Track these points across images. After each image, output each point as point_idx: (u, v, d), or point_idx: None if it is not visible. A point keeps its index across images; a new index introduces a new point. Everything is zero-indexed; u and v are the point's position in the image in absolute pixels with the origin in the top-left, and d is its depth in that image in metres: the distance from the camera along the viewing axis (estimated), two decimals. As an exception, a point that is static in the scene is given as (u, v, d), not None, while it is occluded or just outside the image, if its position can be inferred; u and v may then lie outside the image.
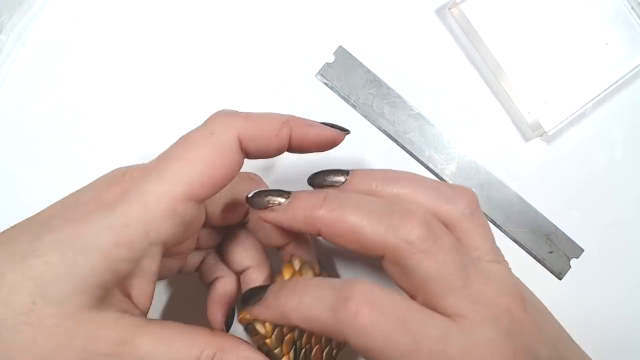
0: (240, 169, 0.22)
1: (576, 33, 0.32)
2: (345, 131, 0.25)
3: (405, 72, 0.33)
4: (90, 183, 0.23)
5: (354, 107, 0.32)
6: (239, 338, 0.22)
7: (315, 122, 0.24)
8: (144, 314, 0.21)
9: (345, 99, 0.32)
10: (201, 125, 0.22)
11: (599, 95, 0.31)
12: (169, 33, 0.32)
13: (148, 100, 0.32)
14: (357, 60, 0.32)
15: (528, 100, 0.31)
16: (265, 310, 0.23)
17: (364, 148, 0.32)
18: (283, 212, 0.23)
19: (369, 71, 0.32)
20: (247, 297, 0.23)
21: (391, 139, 0.32)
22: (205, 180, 0.20)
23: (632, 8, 0.32)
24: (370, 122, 0.32)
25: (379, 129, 0.32)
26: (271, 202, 0.23)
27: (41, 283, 0.18)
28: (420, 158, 0.32)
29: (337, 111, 0.32)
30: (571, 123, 0.32)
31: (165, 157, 0.21)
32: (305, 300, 0.21)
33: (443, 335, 0.20)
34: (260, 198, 0.23)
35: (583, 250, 0.33)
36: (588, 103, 0.32)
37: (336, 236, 0.21)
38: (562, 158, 0.33)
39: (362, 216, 0.21)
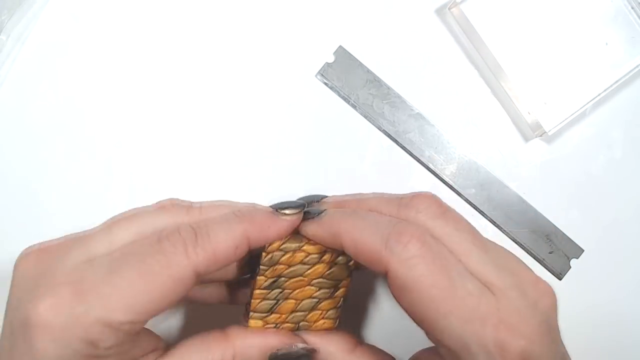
0: (190, 291, 0.22)
1: (576, 33, 0.32)
2: (301, 208, 0.25)
3: (405, 72, 0.33)
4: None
5: (354, 107, 0.32)
6: (245, 326, 0.24)
7: (270, 215, 0.24)
8: None
9: (345, 99, 0.32)
10: (155, 243, 0.21)
11: (599, 95, 0.31)
12: (169, 33, 0.32)
13: (148, 100, 0.32)
14: (357, 60, 0.32)
15: (528, 100, 0.31)
16: (318, 228, 0.24)
17: (364, 148, 0.32)
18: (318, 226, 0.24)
19: (369, 71, 0.32)
20: (306, 213, 0.25)
21: (391, 139, 0.32)
22: (151, 310, 0.21)
23: (632, 8, 0.32)
24: (370, 122, 0.32)
25: (379, 129, 0.32)
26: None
27: None
28: (420, 158, 0.32)
29: (337, 111, 0.32)
30: (571, 123, 0.32)
31: (111, 275, 0.20)
32: (360, 224, 0.22)
33: (478, 293, 0.21)
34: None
35: (583, 251, 0.33)
36: (588, 103, 0.32)
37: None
38: (562, 158, 0.33)
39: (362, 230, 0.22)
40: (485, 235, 0.32)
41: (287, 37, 0.33)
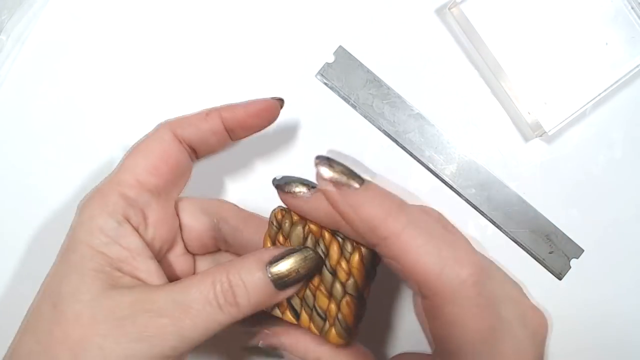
0: (186, 161, 0.26)
1: (576, 33, 0.32)
2: (278, 100, 0.27)
3: (405, 72, 0.33)
4: None
5: (354, 107, 0.32)
6: (245, 256, 0.22)
7: (249, 101, 0.26)
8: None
9: (345, 99, 0.32)
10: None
11: (599, 95, 0.31)
12: (169, 33, 0.32)
13: (148, 100, 0.32)
14: (357, 60, 0.32)
15: (528, 100, 0.31)
16: (338, 197, 0.21)
17: (364, 148, 0.32)
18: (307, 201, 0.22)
19: (369, 71, 0.32)
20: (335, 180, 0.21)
21: (391, 139, 0.32)
22: (151, 170, 0.24)
23: (632, 8, 0.32)
24: (370, 122, 0.32)
25: (379, 129, 0.32)
26: (298, 191, 0.22)
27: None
28: (420, 158, 0.32)
29: (337, 111, 0.32)
30: (571, 123, 0.32)
31: (120, 163, 0.25)
32: (415, 230, 0.20)
33: (507, 336, 0.20)
34: (289, 185, 0.23)
35: (583, 251, 0.33)
36: (588, 103, 0.32)
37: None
38: (562, 158, 0.33)
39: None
40: (485, 235, 0.32)
41: (287, 37, 0.33)
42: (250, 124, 0.27)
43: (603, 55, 0.32)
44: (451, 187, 0.32)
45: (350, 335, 0.23)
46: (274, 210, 0.24)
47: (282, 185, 0.23)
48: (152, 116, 0.32)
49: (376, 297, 0.25)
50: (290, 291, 0.22)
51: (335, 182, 0.21)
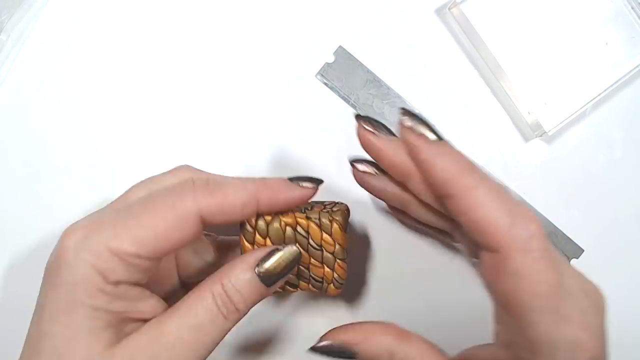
0: (197, 237, 0.23)
1: (576, 33, 0.32)
2: (318, 183, 0.25)
3: (405, 72, 0.33)
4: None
5: (354, 107, 0.32)
6: (232, 263, 0.23)
7: (284, 182, 0.24)
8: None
9: (345, 99, 0.32)
10: (166, 190, 0.23)
11: (599, 95, 0.31)
12: (169, 33, 0.32)
13: (148, 100, 0.32)
14: (357, 60, 0.32)
15: (528, 100, 0.31)
16: (436, 156, 0.22)
17: (364, 148, 0.32)
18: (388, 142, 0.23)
19: (369, 71, 0.32)
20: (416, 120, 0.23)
21: (391, 139, 0.32)
22: (156, 246, 0.21)
23: (632, 8, 0.32)
24: (370, 122, 0.32)
25: (379, 129, 0.32)
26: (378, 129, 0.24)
27: None
28: (420, 158, 0.32)
29: (337, 111, 0.32)
30: (571, 123, 0.32)
31: (125, 213, 0.22)
32: (486, 186, 0.21)
33: (575, 294, 0.21)
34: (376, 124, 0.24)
35: (583, 250, 0.33)
36: (588, 103, 0.32)
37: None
38: (562, 158, 0.33)
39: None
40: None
41: (287, 37, 0.33)
42: (283, 209, 0.25)
43: (603, 55, 0.32)
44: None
45: (343, 285, 0.26)
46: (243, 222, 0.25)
47: (367, 121, 0.24)
48: (152, 116, 0.32)
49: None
50: (279, 284, 0.24)
51: (417, 133, 0.22)
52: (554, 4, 0.32)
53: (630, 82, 0.33)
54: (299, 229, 0.25)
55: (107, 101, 0.32)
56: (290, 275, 0.25)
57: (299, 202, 0.24)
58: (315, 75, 0.33)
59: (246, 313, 0.23)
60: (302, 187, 0.24)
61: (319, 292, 0.26)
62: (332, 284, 0.26)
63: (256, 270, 0.23)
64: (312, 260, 0.25)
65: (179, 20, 0.33)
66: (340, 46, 0.33)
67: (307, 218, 0.25)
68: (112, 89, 0.32)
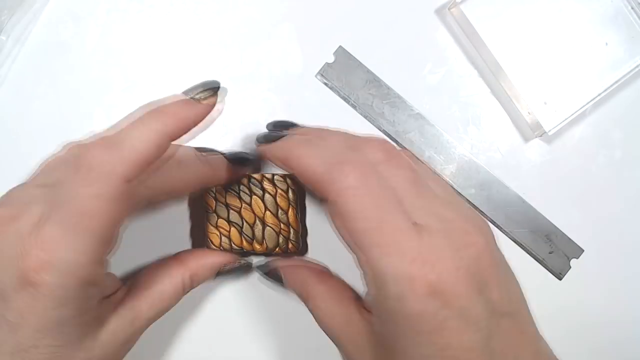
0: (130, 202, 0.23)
1: (576, 33, 0.32)
2: (215, 88, 0.26)
3: (405, 72, 0.33)
4: None
5: (354, 107, 0.32)
6: (203, 250, 0.29)
7: (187, 103, 0.25)
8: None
9: (345, 99, 0.32)
10: (75, 177, 0.22)
11: (599, 95, 0.31)
12: (169, 33, 0.32)
13: (148, 100, 0.32)
14: (357, 60, 0.32)
15: (528, 100, 0.31)
16: (274, 148, 0.26)
17: (364, 148, 0.32)
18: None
19: (369, 71, 0.32)
20: (267, 137, 0.28)
21: (391, 139, 0.32)
22: (102, 234, 0.22)
23: (632, 8, 0.32)
24: (370, 122, 0.32)
25: (378, 129, 0.32)
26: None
27: None
28: (421, 158, 0.32)
29: (337, 111, 0.32)
30: (571, 123, 0.32)
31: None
32: (310, 150, 0.24)
33: (403, 230, 0.22)
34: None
35: (583, 250, 0.33)
36: (588, 103, 0.32)
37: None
38: (562, 158, 0.33)
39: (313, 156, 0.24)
40: (485, 235, 0.32)
41: (288, 37, 0.33)
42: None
43: (603, 55, 0.32)
44: (451, 187, 0.32)
45: (300, 242, 0.30)
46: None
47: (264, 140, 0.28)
48: (152, 116, 0.32)
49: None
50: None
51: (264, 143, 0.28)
52: (553, 4, 0.32)
53: (630, 82, 0.33)
54: (254, 189, 0.29)
55: (107, 101, 0.32)
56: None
57: (205, 114, 0.25)
58: (315, 75, 0.33)
59: None
60: (204, 101, 0.25)
61: (280, 250, 0.30)
62: (290, 242, 0.30)
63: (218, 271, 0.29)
64: (268, 215, 0.29)
65: (179, 19, 0.33)
66: (340, 46, 0.33)
67: (263, 177, 0.29)
68: (112, 89, 0.32)
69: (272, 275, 0.29)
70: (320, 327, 0.27)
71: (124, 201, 0.22)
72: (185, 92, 0.25)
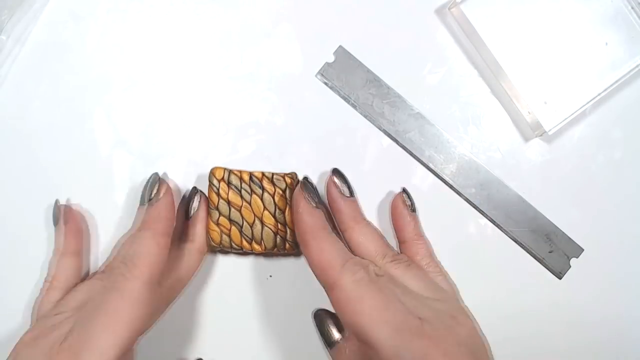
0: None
1: (576, 33, 0.32)
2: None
3: (405, 72, 0.33)
4: None
5: (354, 107, 0.32)
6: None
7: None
8: None
9: (345, 99, 0.32)
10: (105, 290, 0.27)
11: (599, 95, 0.31)
12: (170, 33, 0.32)
13: (148, 100, 0.32)
14: (357, 60, 0.32)
15: (528, 100, 0.31)
16: (307, 214, 0.29)
17: (364, 148, 0.32)
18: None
19: (369, 71, 0.32)
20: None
21: (391, 138, 0.32)
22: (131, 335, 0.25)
23: (632, 8, 0.32)
24: (370, 122, 0.32)
25: (379, 128, 0.32)
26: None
27: None
28: (420, 158, 0.32)
29: (337, 111, 0.32)
30: (571, 123, 0.32)
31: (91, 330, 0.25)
32: (331, 244, 0.28)
33: (407, 312, 0.26)
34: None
35: (583, 250, 0.33)
36: (588, 103, 0.32)
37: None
38: (562, 158, 0.33)
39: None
40: (485, 234, 0.32)
41: (288, 37, 0.33)
42: None
43: (603, 55, 0.32)
44: (451, 187, 0.32)
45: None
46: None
47: (338, 176, 0.31)
48: (152, 116, 0.32)
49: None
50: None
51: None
52: (553, 4, 0.32)
53: (630, 82, 0.33)
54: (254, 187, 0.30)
55: (107, 101, 0.32)
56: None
57: (169, 200, 0.29)
58: (315, 75, 0.33)
59: None
60: (159, 198, 0.29)
61: (277, 251, 0.30)
62: (287, 243, 0.30)
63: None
64: (267, 214, 0.29)
65: (178, 20, 0.33)
66: (340, 46, 0.33)
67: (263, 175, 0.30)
68: (112, 89, 0.32)
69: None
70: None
71: (146, 304, 0.26)
72: (142, 201, 0.30)
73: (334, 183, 0.30)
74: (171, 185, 0.31)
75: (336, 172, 0.31)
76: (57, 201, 0.30)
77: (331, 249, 0.27)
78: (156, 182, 0.29)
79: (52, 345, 0.24)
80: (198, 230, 0.30)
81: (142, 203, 0.30)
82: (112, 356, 0.23)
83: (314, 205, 0.28)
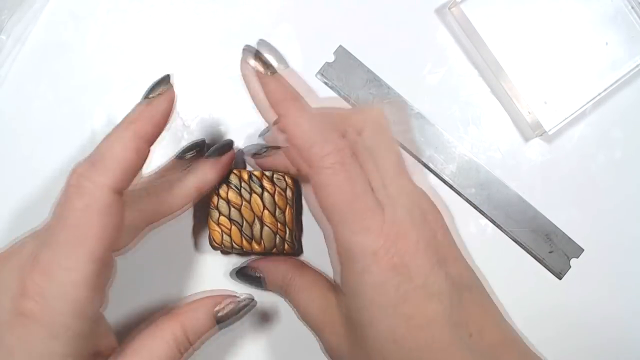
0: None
1: (576, 33, 0.32)
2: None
3: (405, 72, 0.33)
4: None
5: (354, 107, 0.32)
6: (196, 308, 0.25)
7: (148, 104, 0.25)
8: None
9: (345, 99, 0.32)
10: (66, 199, 0.22)
11: (599, 95, 0.32)
12: (169, 33, 0.32)
13: (148, 100, 0.32)
14: (357, 60, 0.32)
15: (528, 100, 0.31)
16: (272, 91, 0.26)
17: (364, 148, 0.32)
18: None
19: (369, 71, 0.32)
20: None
21: (391, 138, 0.32)
22: (99, 254, 0.21)
23: (632, 8, 0.32)
24: (370, 122, 0.32)
25: (379, 128, 0.32)
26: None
27: None
28: (421, 158, 0.32)
29: (337, 111, 0.32)
30: (571, 123, 0.32)
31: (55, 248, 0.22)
32: (302, 117, 0.25)
33: (370, 207, 0.24)
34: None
35: (583, 250, 0.33)
36: (588, 103, 0.32)
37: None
38: (562, 158, 0.33)
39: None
40: (485, 234, 0.32)
41: (288, 37, 0.33)
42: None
43: (603, 55, 0.32)
44: (451, 187, 0.32)
45: (296, 243, 0.31)
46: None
47: (252, 56, 0.27)
48: (152, 116, 0.32)
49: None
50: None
51: (258, 70, 0.26)
52: (554, 4, 0.32)
53: (630, 82, 0.33)
54: (253, 185, 0.29)
55: (107, 101, 0.32)
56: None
57: (169, 107, 0.25)
58: (315, 75, 0.33)
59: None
60: (161, 97, 0.25)
61: (277, 251, 0.30)
62: (286, 243, 0.30)
63: (216, 316, 0.25)
64: (266, 214, 0.29)
65: (179, 20, 0.33)
66: (340, 46, 0.33)
67: (263, 175, 0.29)
68: (112, 89, 0.32)
69: (250, 279, 0.30)
70: (302, 317, 0.28)
71: (114, 214, 0.22)
72: (144, 97, 0.25)
73: (255, 63, 0.26)
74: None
75: (261, 44, 0.28)
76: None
77: (306, 124, 0.25)
78: (164, 82, 0.25)
79: (23, 265, 0.21)
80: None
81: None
82: (88, 272, 0.21)
83: (271, 71, 0.26)
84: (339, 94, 0.32)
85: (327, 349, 0.27)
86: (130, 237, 0.26)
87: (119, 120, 0.32)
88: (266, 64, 0.26)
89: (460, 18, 0.32)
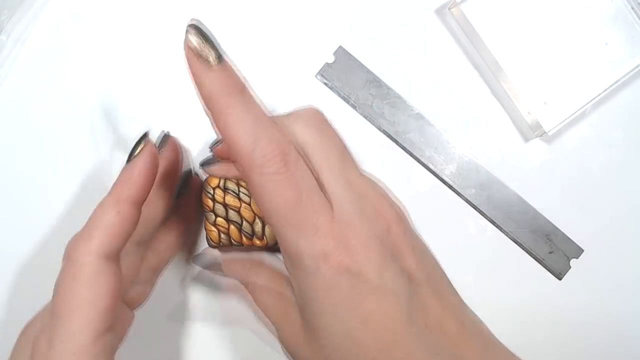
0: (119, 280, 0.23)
1: (576, 33, 0.32)
2: (144, 138, 0.25)
3: (405, 72, 0.33)
4: None
5: (354, 107, 0.32)
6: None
7: (127, 169, 0.24)
8: None
9: (345, 99, 0.32)
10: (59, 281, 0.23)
11: (599, 95, 0.31)
12: (169, 33, 0.32)
13: (148, 101, 0.32)
14: (357, 60, 0.32)
15: (528, 100, 0.31)
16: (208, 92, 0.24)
17: (364, 148, 0.32)
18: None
19: (369, 71, 0.32)
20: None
21: (391, 139, 0.32)
22: (103, 315, 0.22)
23: (632, 8, 0.32)
24: (370, 122, 0.32)
25: (378, 129, 0.32)
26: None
27: None
28: (420, 158, 0.32)
29: (337, 111, 0.32)
30: (571, 123, 0.32)
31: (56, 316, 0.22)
32: (238, 117, 0.23)
33: (319, 208, 0.22)
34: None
35: (583, 250, 0.33)
36: (588, 103, 0.32)
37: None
38: (562, 158, 0.33)
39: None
40: (485, 235, 0.32)
41: (288, 37, 0.33)
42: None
43: (603, 55, 0.32)
44: (451, 187, 0.32)
45: None
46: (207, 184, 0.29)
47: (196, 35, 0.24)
48: (153, 116, 0.32)
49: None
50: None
51: (198, 56, 0.23)
52: (553, 4, 0.32)
53: (630, 82, 0.33)
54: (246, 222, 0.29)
55: (107, 102, 0.32)
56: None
57: (149, 166, 0.24)
58: (315, 75, 0.33)
59: None
60: (141, 156, 0.24)
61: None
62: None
63: None
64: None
65: (179, 20, 0.33)
66: (340, 46, 0.33)
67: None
68: (112, 89, 0.32)
69: (208, 265, 0.30)
70: (262, 310, 0.27)
71: (105, 280, 0.22)
72: (127, 160, 0.25)
73: (192, 48, 0.23)
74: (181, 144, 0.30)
75: (194, 28, 0.23)
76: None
77: (237, 122, 0.22)
78: (142, 140, 0.25)
79: (36, 334, 0.23)
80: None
81: None
82: (85, 340, 0.21)
83: (213, 60, 0.23)
84: (339, 95, 0.32)
85: (287, 349, 0.26)
86: (150, 287, 0.28)
87: (118, 120, 0.32)
88: (209, 48, 0.24)
89: (460, 18, 0.32)
